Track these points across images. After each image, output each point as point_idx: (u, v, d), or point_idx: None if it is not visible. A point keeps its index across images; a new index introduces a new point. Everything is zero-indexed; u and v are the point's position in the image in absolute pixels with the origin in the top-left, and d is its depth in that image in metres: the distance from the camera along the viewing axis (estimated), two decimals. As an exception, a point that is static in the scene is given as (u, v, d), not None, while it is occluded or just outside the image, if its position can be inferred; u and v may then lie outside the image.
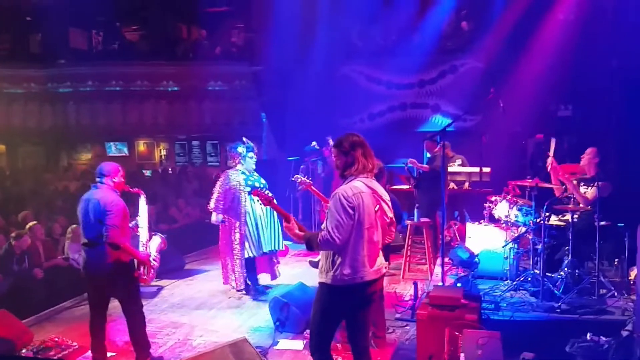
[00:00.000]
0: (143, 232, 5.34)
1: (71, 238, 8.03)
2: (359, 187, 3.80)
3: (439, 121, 12.88)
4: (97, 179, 5.01)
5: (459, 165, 9.38)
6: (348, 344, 4.21)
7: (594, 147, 6.45)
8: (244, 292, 7.18)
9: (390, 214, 4.02)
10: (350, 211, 3.71)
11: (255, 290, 7.20)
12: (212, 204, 7.13)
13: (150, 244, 5.40)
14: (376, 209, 3.86)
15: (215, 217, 7.14)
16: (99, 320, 5.06)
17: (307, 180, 5.44)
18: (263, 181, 7.17)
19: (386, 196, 4.02)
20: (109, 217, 4.74)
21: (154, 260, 5.33)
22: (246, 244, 7.05)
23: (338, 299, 3.82)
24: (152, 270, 5.31)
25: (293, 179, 5.50)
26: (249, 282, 7.22)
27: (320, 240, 3.75)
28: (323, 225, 3.86)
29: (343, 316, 3.96)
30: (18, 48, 15.80)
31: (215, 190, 7.19)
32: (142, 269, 5.15)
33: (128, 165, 13.43)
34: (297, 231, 3.95)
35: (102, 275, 4.90)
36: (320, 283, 3.89)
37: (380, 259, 3.92)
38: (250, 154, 7.18)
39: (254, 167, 7.24)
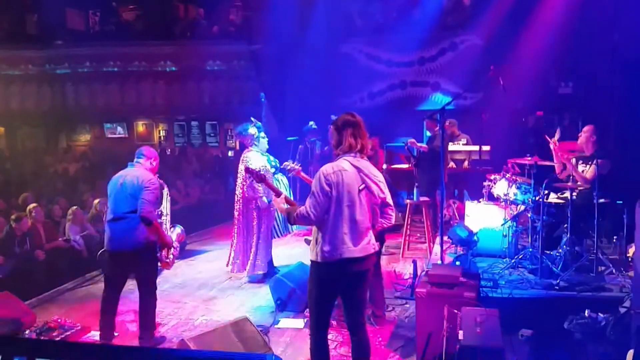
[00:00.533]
0: (166, 219, 5.59)
1: (72, 220, 8.06)
2: (342, 166, 3.80)
3: (440, 99, 12.83)
4: (136, 159, 5.15)
5: (463, 144, 9.40)
6: (344, 321, 4.25)
7: (591, 124, 6.42)
8: (262, 275, 7.04)
9: (383, 195, 3.98)
10: (327, 188, 3.74)
11: (274, 273, 6.81)
12: (253, 191, 6.79)
13: (172, 233, 5.67)
14: (360, 187, 3.82)
15: (265, 200, 6.81)
16: (113, 299, 5.12)
17: (297, 167, 5.29)
18: (275, 159, 7.16)
19: (377, 177, 3.98)
20: (145, 192, 4.87)
21: (174, 248, 5.55)
22: (275, 224, 7.07)
23: (322, 275, 3.87)
24: (173, 257, 5.53)
25: (283, 166, 5.39)
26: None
27: (297, 214, 3.82)
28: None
29: (332, 293, 3.99)
30: (15, 29, 15.69)
31: (240, 175, 6.97)
32: (164, 252, 5.32)
33: (127, 146, 13.46)
34: (282, 205, 4.05)
35: (127, 251, 4.96)
36: (310, 260, 3.96)
37: (368, 238, 3.89)
38: (262, 134, 7.05)
39: (267, 146, 7.10)
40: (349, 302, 4.00)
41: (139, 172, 5.02)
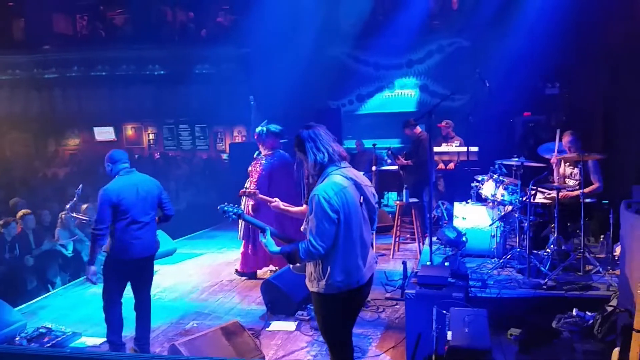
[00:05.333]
0: None
1: (61, 225, 8.03)
2: (340, 183, 3.40)
3: (427, 101, 12.93)
4: (126, 164, 4.99)
5: (456, 146, 9.54)
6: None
7: (571, 128, 6.50)
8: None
9: (376, 199, 3.68)
10: (334, 215, 3.31)
11: None
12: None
13: None
14: (361, 201, 3.48)
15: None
16: (120, 306, 5.04)
17: (253, 190, 4.90)
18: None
19: (367, 181, 3.67)
20: (164, 194, 5.13)
21: None
22: None
23: (336, 306, 3.48)
24: None
25: (240, 194, 5.03)
26: None
27: (303, 252, 3.37)
28: (302, 227, 3.55)
29: (348, 319, 3.65)
30: (2, 34, 15.62)
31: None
32: None
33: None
34: (273, 248, 3.62)
35: (152, 254, 5.06)
36: (312, 293, 3.54)
37: (371, 254, 3.62)
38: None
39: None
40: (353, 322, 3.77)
41: (144, 176, 5.05)
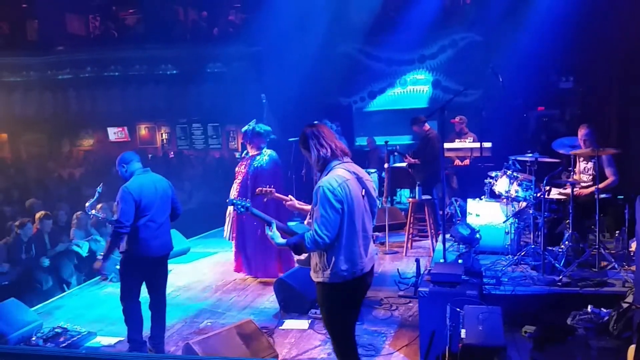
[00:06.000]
0: None
1: (77, 224, 8.10)
2: (343, 175, 3.55)
3: (440, 97, 12.86)
4: (139, 162, 5.07)
5: (469, 142, 9.48)
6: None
7: (586, 122, 6.42)
8: None
9: (376, 193, 3.84)
10: (338, 205, 3.46)
11: None
12: None
13: None
14: (362, 193, 3.63)
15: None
16: (140, 305, 5.07)
17: (269, 189, 4.85)
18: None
19: (367, 175, 3.81)
20: (174, 193, 5.17)
21: None
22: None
23: (341, 295, 3.62)
24: None
25: (257, 193, 5.05)
26: None
27: (309, 242, 3.49)
28: (306, 221, 3.67)
29: (352, 309, 3.76)
30: (16, 35, 15.78)
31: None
32: None
33: (130, 150, 13.47)
34: (279, 240, 3.70)
35: (166, 253, 5.12)
36: (317, 283, 3.67)
37: (372, 245, 3.77)
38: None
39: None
40: (355, 314, 3.85)
41: (158, 176, 5.11)
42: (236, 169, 7.08)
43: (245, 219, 6.76)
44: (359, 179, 3.65)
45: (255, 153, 6.96)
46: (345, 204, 3.49)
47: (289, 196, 4.36)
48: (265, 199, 4.93)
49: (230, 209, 6.88)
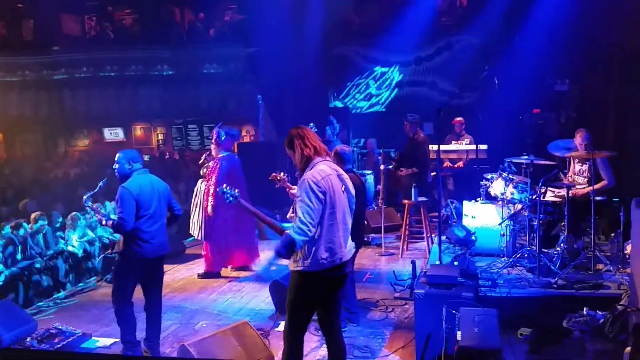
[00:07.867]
0: None
1: (71, 225, 8.07)
2: (326, 170, 3.83)
3: (436, 98, 12.86)
4: (139, 163, 5.04)
5: (466, 144, 9.50)
6: (321, 324, 4.14)
7: (584, 126, 6.43)
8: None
9: (354, 192, 4.02)
10: (321, 196, 3.71)
11: None
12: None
13: None
14: (343, 189, 3.89)
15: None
16: (132, 306, 5.04)
17: (282, 176, 5.18)
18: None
19: (346, 174, 4.07)
20: (171, 193, 5.20)
21: None
22: None
23: (317, 284, 3.83)
24: None
25: (270, 178, 5.25)
26: None
27: (295, 232, 3.63)
28: (289, 214, 3.87)
29: (321, 301, 3.95)
30: (11, 35, 15.73)
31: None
32: None
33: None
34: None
35: (162, 255, 5.10)
36: (294, 271, 3.84)
37: (349, 240, 3.98)
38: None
39: None
40: (329, 306, 4.00)
41: (156, 177, 5.10)
42: (203, 170, 7.38)
43: (214, 217, 7.10)
44: (339, 176, 3.93)
45: (225, 155, 7.27)
46: (327, 196, 3.75)
47: (295, 186, 4.54)
48: (277, 185, 5.26)
49: (196, 211, 7.30)
